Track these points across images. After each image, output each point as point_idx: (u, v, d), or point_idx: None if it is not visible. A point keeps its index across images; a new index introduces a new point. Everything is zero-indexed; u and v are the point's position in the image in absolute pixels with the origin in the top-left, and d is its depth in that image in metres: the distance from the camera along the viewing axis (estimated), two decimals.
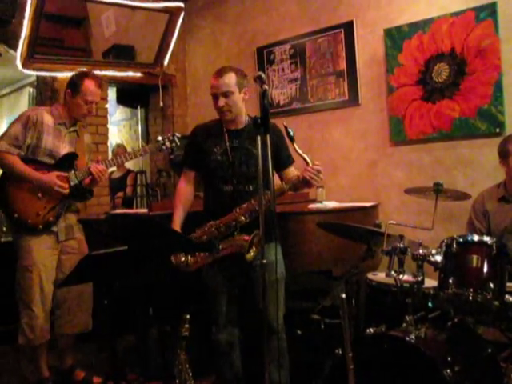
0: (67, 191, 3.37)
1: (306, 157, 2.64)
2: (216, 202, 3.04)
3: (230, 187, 2.97)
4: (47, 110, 3.49)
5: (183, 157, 3.26)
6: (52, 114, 3.46)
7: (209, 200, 3.12)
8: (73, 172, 3.43)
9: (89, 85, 3.41)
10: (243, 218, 2.85)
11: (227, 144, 3.00)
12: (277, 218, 2.88)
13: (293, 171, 3.02)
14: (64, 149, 3.46)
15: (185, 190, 3.18)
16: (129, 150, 7.16)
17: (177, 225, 3.09)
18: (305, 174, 2.70)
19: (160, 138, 3.61)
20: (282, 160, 3.01)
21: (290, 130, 2.61)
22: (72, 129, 3.54)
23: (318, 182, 2.73)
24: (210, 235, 2.90)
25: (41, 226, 3.34)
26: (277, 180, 2.97)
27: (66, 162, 3.45)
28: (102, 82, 3.59)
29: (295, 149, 2.62)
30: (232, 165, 2.97)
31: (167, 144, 3.58)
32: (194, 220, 3.05)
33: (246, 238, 2.79)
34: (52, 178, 3.33)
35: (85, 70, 3.71)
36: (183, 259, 2.96)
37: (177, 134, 3.64)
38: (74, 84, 3.44)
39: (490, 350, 2.67)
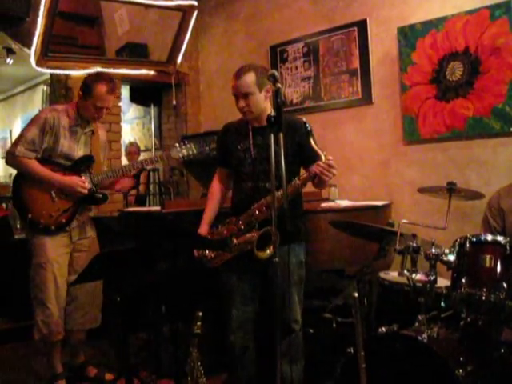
0: (86, 192, 3.40)
1: (319, 151, 2.61)
2: (238, 198, 3.08)
3: (251, 183, 2.99)
4: (64, 111, 3.46)
5: (216, 155, 3.30)
6: (68, 115, 3.45)
7: (233, 196, 3.16)
8: (88, 175, 3.47)
9: (100, 90, 3.36)
10: (258, 213, 2.86)
11: (251, 141, 3.01)
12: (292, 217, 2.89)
13: None
14: (79, 150, 3.48)
15: (216, 188, 3.23)
16: (142, 149, 7.21)
17: (205, 222, 3.13)
18: (315, 169, 2.66)
19: (177, 145, 3.62)
20: (307, 157, 2.86)
21: (307, 124, 2.60)
22: (88, 129, 3.54)
23: (329, 176, 2.65)
24: (230, 231, 2.93)
25: (53, 227, 3.37)
26: None
27: (83, 165, 3.47)
28: (116, 86, 3.55)
29: (310, 143, 2.60)
30: (253, 161, 2.99)
31: (184, 152, 3.59)
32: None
33: (255, 234, 2.81)
34: (74, 179, 3.37)
35: (100, 71, 3.66)
36: (207, 253, 2.99)
37: (193, 143, 3.66)
38: (86, 87, 3.39)
39: (502, 350, 2.66)
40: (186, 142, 3.64)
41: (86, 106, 3.41)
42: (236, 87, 2.93)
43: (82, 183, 3.39)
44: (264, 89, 2.93)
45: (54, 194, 3.37)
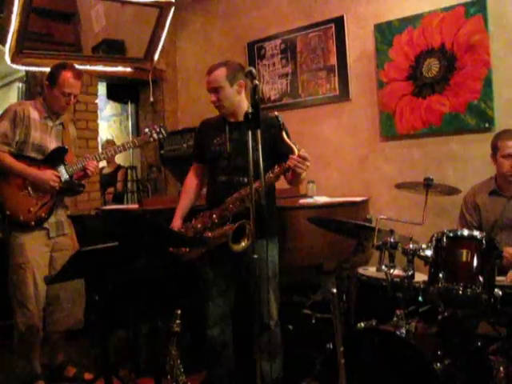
0: (57, 186, 3.35)
1: (292, 145, 2.62)
2: (213, 193, 3.09)
3: (225, 178, 3.00)
4: (31, 105, 3.45)
5: (192, 150, 3.32)
6: (37, 109, 3.42)
7: (208, 191, 3.17)
8: (63, 166, 3.41)
9: (66, 76, 3.36)
10: (232, 206, 2.87)
11: (227, 136, 3.02)
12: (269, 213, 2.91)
13: None
14: (51, 143, 3.44)
15: (191, 183, 3.26)
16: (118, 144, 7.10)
17: (178, 217, 3.14)
18: (289, 162, 2.68)
19: (147, 130, 3.61)
20: (282, 152, 2.83)
21: (279, 118, 2.60)
22: (58, 122, 3.51)
23: (303, 168, 2.67)
24: (204, 225, 2.94)
25: (33, 223, 3.31)
26: None
27: (56, 157, 3.42)
28: (82, 74, 3.52)
29: (283, 137, 2.61)
30: (229, 156, 2.99)
31: (154, 136, 3.59)
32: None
33: (230, 227, 2.83)
34: (49, 174, 3.32)
35: (64, 61, 3.60)
36: (184, 248, 3.00)
37: (163, 126, 3.66)
38: (52, 76, 3.39)
39: (479, 344, 2.69)
40: (156, 126, 3.62)
41: (54, 94, 3.39)
42: (208, 82, 2.99)
43: (55, 177, 3.34)
44: (236, 83, 2.96)
45: (30, 188, 3.31)
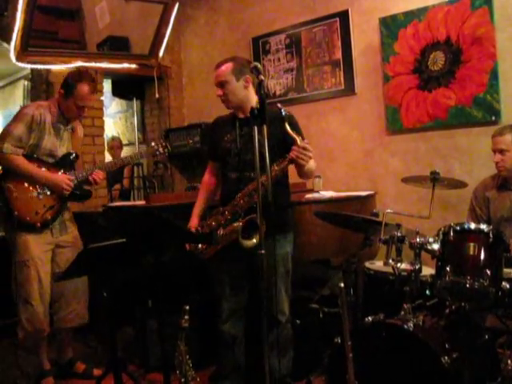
0: (69, 190, 3.41)
1: (295, 136, 2.64)
2: (225, 189, 3.12)
3: (236, 174, 3.01)
4: (47, 108, 3.44)
5: (207, 149, 3.36)
6: (51, 112, 3.42)
7: (221, 187, 3.19)
8: (73, 172, 3.47)
9: (83, 90, 3.36)
10: (242, 202, 2.88)
11: (237, 132, 3.03)
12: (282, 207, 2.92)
13: None
14: (62, 147, 3.48)
15: (208, 181, 3.29)
16: (126, 143, 7.14)
17: (196, 215, 3.18)
18: (291, 154, 2.69)
19: (153, 144, 3.74)
20: (290, 144, 2.79)
21: (282, 110, 2.61)
22: (69, 126, 3.55)
23: (305, 159, 2.67)
24: (217, 222, 2.95)
25: (39, 224, 3.34)
26: None
27: (67, 162, 3.48)
28: (97, 85, 3.59)
29: (286, 128, 2.62)
30: (239, 152, 3.00)
31: (160, 150, 3.71)
32: None
33: (240, 222, 2.84)
34: (62, 177, 3.38)
35: (81, 69, 3.62)
36: (199, 246, 3.02)
37: (168, 142, 3.85)
38: (68, 86, 3.39)
39: (487, 337, 2.69)
40: (163, 141, 3.77)
41: (68, 104, 3.41)
42: (215, 77, 3.02)
43: (69, 181, 3.39)
44: (242, 78, 2.97)
45: (39, 191, 3.35)
